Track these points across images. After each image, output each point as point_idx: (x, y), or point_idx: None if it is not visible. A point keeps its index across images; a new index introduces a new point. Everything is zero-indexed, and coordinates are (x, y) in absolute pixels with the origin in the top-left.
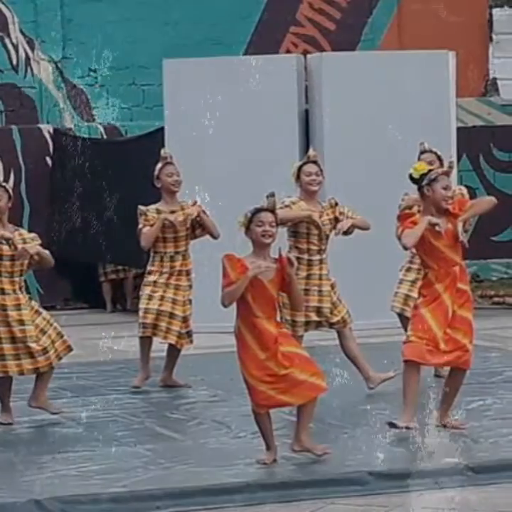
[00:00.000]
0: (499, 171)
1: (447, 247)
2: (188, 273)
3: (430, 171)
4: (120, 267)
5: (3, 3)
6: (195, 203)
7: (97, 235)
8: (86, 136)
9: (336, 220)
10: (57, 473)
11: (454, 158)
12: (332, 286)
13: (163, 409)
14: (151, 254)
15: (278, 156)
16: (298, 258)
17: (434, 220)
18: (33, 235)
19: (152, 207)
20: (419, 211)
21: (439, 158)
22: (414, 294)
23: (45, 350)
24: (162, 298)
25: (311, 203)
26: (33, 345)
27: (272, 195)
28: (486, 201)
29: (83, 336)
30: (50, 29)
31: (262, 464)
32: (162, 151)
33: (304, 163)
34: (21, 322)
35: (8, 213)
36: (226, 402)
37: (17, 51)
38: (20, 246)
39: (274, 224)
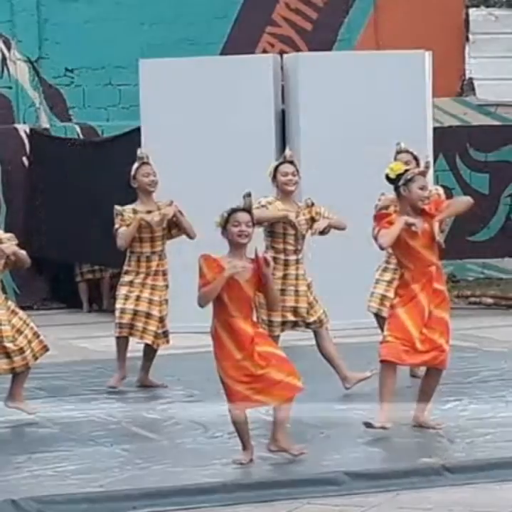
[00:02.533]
0: (475, 171)
1: (423, 247)
2: (164, 273)
3: (406, 171)
4: (96, 267)
5: None
6: (171, 203)
7: (74, 235)
8: (62, 136)
9: (313, 220)
10: (34, 473)
11: (430, 158)
12: (308, 286)
13: (139, 409)
14: (128, 254)
15: (254, 156)
16: (274, 258)
17: (411, 220)
18: (9, 235)
19: (128, 207)
20: (395, 211)
21: (415, 158)
22: (391, 294)
23: (21, 350)
24: (138, 298)
25: (287, 203)
26: (9, 345)
27: (249, 195)
28: (463, 201)
29: (59, 336)
30: (27, 29)
31: (238, 464)
32: (138, 151)
33: (281, 163)
34: None
35: None
36: (202, 402)
37: None
38: None
39: (250, 224)
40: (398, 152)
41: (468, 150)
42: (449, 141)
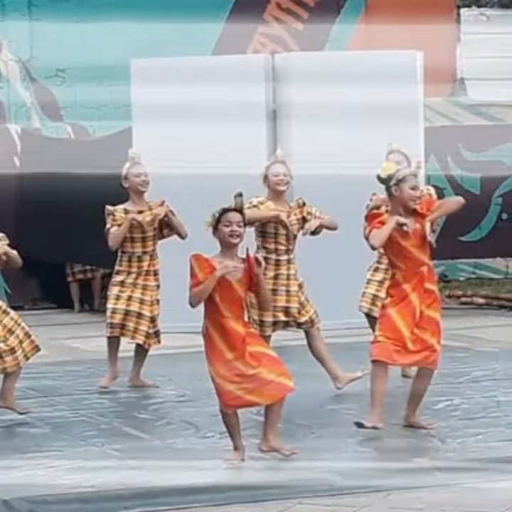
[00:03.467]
0: (467, 171)
1: (415, 247)
2: (155, 273)
3: (398, 171)
4: (88, 267)
5: None
6: (162, 203)
7: (65, 235)
8: (53, 136)
9: (304, 220)
10: (25, 473)
11: (422, 158)
12: (300, 286)
13: (131, 409)
14: (119, 254)
15: (246, 157)
16: (265, 258)
17: (402, 220)
18: (0, 235)
19: (120, 207)
20: (387, 211)
21: (406, 158)
22: (382, 294)
23: (12, 350)
24: (130, 298)
25: (278, 203)
26: (0, 345)
27: (240, 195)
28: (454, 201)
29: (51, 336)
30: (18, 29)
31: (229, 464)
32: (129, 151)
33: (272, 164)
34: None
35: None
36: (194, 402)
37: None
38: None
39: (241, 224)
40: (390, 152)
41: (459, 150)
42: (441, 141)
